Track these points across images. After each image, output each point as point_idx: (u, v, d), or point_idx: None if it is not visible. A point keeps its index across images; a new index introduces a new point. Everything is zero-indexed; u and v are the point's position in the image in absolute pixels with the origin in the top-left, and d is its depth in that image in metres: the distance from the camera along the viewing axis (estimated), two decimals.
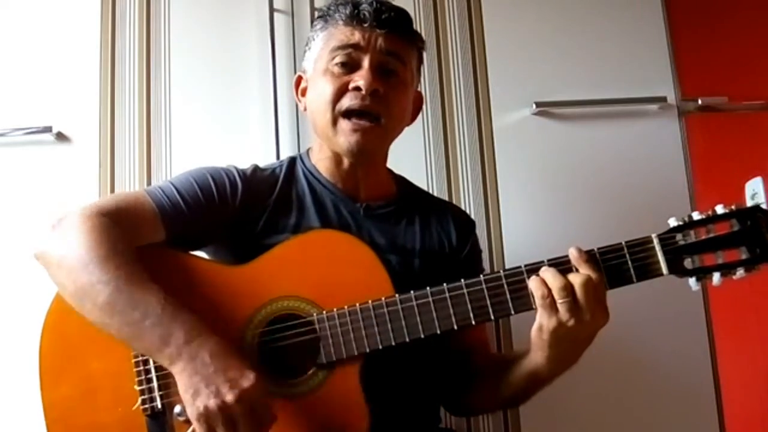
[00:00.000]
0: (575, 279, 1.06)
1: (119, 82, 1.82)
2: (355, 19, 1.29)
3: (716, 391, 1.77)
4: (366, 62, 1.28)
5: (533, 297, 1.08)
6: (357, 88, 1.26)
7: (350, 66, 1.29)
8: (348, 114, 1.27)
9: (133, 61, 1.83)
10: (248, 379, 1.01)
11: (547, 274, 1.07)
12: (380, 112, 1.29)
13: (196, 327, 1.05)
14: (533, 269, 1.10)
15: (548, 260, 1.10)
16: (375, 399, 1.13)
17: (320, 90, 1.30)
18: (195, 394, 1.01)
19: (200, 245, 1.30)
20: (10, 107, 1.78)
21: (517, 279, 1.10)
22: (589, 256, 1.08)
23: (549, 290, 1.06)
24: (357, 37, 1.29)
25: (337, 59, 1.29)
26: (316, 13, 1.40)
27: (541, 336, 1.09)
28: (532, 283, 1.08)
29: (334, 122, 1.28)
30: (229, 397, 0.99)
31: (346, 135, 1.28)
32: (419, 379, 1.34)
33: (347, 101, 1.27)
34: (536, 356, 1.14)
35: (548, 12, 1.93)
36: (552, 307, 1.06)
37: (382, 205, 1.38)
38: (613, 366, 1.73)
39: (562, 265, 1.09)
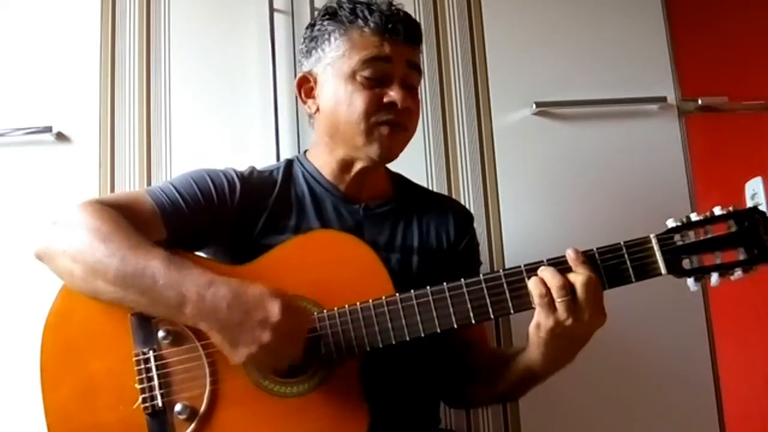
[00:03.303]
0: (575, 278, 1.06)
1: (119, 82, 1.82)
2: (386, 31, 1.28)
3: (716, 391, 1.77)
4: (397, 78, 1.29)
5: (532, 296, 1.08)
6: (392, 104, 1.27)
7: (379, 78, 1.29)
8: (383, 123, 1.28)
9: (133, 61, 1.83)
10: (273, 312, 1.04)
11: (546, 273, 1.08)
12: (408, 124, 1.33)
13: (204, 278, 1.07)
14: (533, 269, 1.10)
15: (547, 260, 1.10)
16: (375, 399, 1.13)
17: (348, 99, 1.28)
18: (232, 347, 1.05)
19: (199, 246, 1.30)
20: (10, 107, 1.78)
21: (517, 278, 1.10)
22: (586, 257, 1.09)
23: (547, 289, 1.06)
24: (388, 50, 1.28)
25: (368, 72, 1.28)
26: (321, 11, 1.37)
27: (538, 334, 1.10)
28: (531, 282, 1.08)
29: (369, 132, 1.28)
30: (265, 338, 1.03)
31: (381, 142, 1.29)
32: (419, 379, 1.35)
33: (383, 116, 1.28)
34: (533, 353, 1.14)
35: (548, 12, 1.93)
36: (550, 306, 1.06)
37: (380, 205, 1.38)
38: (613, 365, 1.73)
39: (561, 265, 1.09)
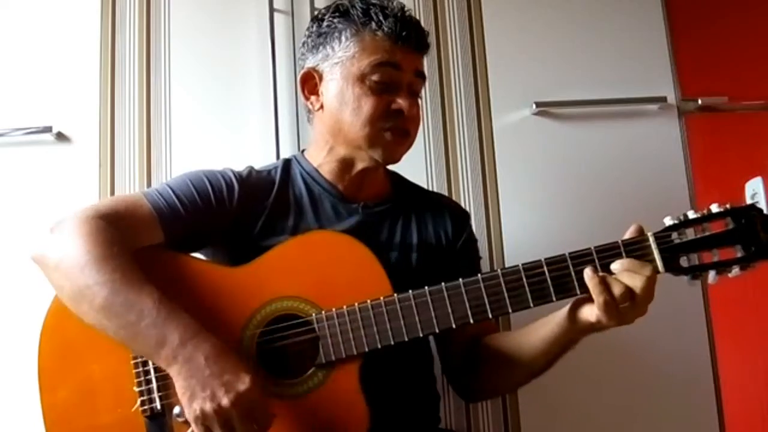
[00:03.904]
0: (635, 282, 1.06)
1: (119, 82, 1.82)
2: (399, 38, 1.29)
3: (716, 391, 1.77)
4: (405, 85, 1.31)
5: (596, 300, 1.07)
6: (399, 111, 1.28)
7: (387, 84, 1.29)
8: (389, 130, 1.29)
9: (133, 61, 1.83)
10: (244, 382, 1.02)
11: (615, 284, 1.07)
12: (412, 131, 1.34)
13: (191, 328, 1.06)
14: (531, 268, 1.10)
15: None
16: (374, 399, 1.13)
17: (356, 102, 1.28)
18: (191, 398, 1.03)
19: (198, 247, 1.30)
20: (10, 107, 1.78)
21: (515, 278, 1.10)
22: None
23: (613, 298, 1.06)
24: (399, 57, 1.29)
25: (378, 77, 1.28)
26: (326, 8, 1.37)
27: (596, 328, 1.11)
28: (596, 291, 1.06)
29: (375, 136, 1.29)
30: (225, 401, 1.01)
31: (385, 147, 1.30)
32: (419, 379, 1.35)
33: (390, 122, 1.29)
34: (580, 336, 1.16)
35: (548, 12, 1.93)
36: (617, 313, 1.07)
37: (379, 204, 1.38)
38: (613, 365, 1.73)
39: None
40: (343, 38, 1.31)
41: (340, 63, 1.31)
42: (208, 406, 1.01)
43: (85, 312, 1.08)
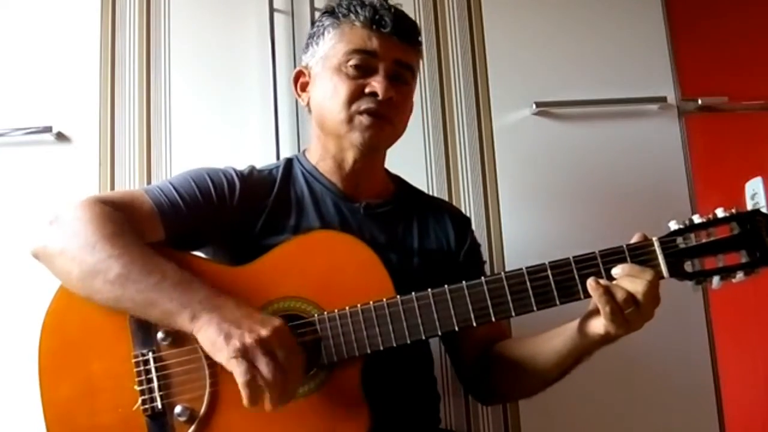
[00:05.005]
0: (635, 289, 1.05)
1: (119, 82, 1.82)
2: (375, 23, 1.30)
3: (716, 391, 1.77)
4: (382, 70, 1.30)
5: (602, 309, 1.06)
6: (373, 94, 1.28)
7: (364, 69, 1.30)
8: (364, 112, 1.29)
9: (133, 61, 1.83)
10: (276, 320, 1.04)
11: (617, 290, 1.06)
12: (392, 116, 1.32)
13: (214, 289, 1.07)
14: (535, 271, 1.10)
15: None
16: (375, 400, 1.13)
17: (333, 89, 1.30)
18: (228, 337, 1.00)
19: (198, 245, 1.30)
20: (10, 107, 1.78)
21: (518, 281, 1.10)
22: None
23: (617, 305, 1.05)
24: (375, 43, 1.30)
25: (353, 62, 1.29)
26: (321, 9, 1.40)
27: (606, 338, 1.10)
28: (600, 298, 1.05)
29: (350, 120, 1.29)
30: (264, 332, 1.00)
31: (362, 130, 1.29)
32: (419, 380, 1.35)
33: (363, 104, 1.29)
34: (592, 348, 1.16)
35: (548, 12, 1.93)
36: (623, 320, 1.06)
37: (380, 204, 1.38)
38: (613, 366, 1.72)
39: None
40: (326, 33, 1.35)
41: (324, 57, 1.34)
42: (248, 338, 0.99)
43: (99, 289, 1.07)
